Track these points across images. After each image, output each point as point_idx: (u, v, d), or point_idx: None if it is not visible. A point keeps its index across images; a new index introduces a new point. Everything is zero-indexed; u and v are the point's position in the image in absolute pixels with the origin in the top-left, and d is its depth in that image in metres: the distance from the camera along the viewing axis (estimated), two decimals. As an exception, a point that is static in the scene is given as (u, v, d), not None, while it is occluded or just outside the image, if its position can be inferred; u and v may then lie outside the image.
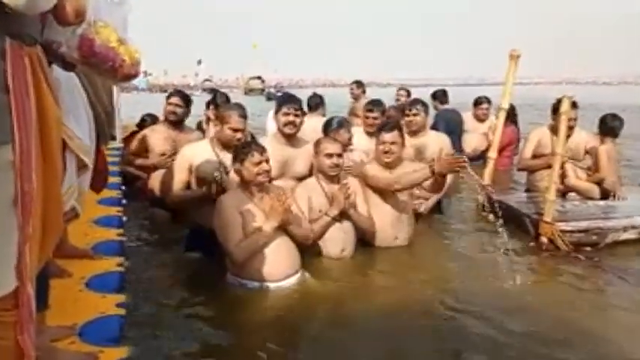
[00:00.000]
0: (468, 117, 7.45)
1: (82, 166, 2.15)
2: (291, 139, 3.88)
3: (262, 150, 3.20)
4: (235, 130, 3.61)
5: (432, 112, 7.46)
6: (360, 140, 4.63)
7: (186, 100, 4.72)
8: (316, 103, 6.02)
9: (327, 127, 4.33)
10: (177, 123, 4.66)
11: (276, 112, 3.94)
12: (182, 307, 3.03)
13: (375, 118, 4.81)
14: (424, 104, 4.81)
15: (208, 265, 3.49)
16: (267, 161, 3.19)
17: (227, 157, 3.49)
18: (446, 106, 7.18)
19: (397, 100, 7.51)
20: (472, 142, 7.29)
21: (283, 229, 3.16)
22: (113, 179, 4.45)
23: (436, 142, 4.70)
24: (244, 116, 3.71)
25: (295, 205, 3.40)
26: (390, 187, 3.77)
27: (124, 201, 4.04)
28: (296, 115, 3.85)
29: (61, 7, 1.61)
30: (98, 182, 2.83)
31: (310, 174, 3.90)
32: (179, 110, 4.62)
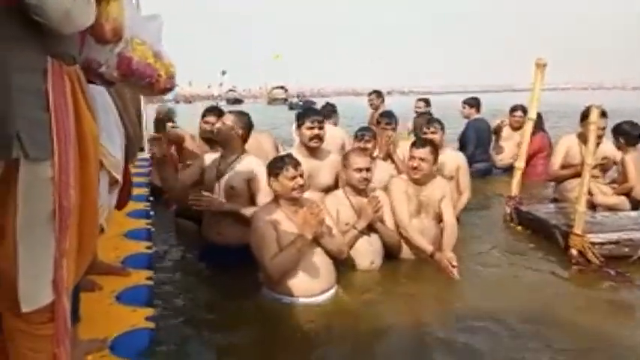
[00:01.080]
0: (504, 125, 7.42)
1: (112, 183, 2.19)
2: (314, 150, 3.90)
3: (297, 164, 3.17)
4: None
5: (456, 122, 7.46)
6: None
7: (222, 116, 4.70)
8: (329, 111, 6.04)
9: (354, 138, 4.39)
10: (213, 140, 4.54)
11: (299, 125, 3.95)
12: (211, 321, 3.04)
13: (393, 130, 4.82)
14: (441, 123, 4.78)
15: (237, 279, 3.50)
16: (301, 175, 3.17)
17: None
18: (477, 115, 7.12)
19: (416, 111, 7.48)
20: (506, 151, 7.23)
21: (317, 242, 3.14)
22: (141, 191, 4.54)
23: (454, 160, 4.63)
24: None
25: (329, 218, 3.36)
26: (398, 225, 3.78)
27: (151, 213, 4.09)
28: (320, 128, 3.87)
29: (99, 26, 1.65)
30: (122, 198, 2.86)
31: (335, 185, 3.90)
32: (214, 128, 4.59)
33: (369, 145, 4.20)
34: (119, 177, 2.13)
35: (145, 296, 2.69)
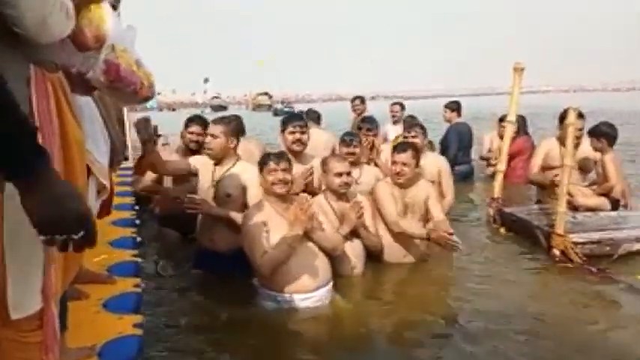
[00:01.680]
0: (493, 136, 7.56)
1: (100, 189, 2.19)
2: (298, 155, 3.95)
3: (279, 159, 3.21)
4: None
5: (438, 126, 7.57)
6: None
7: (206, 127, 4.56)
8: (312, 118, 6.09)
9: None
10: (197, 151, 4.51)
11: (282, 130, 4.03)
12: (201, 327, 3.05)
13: (375, 135, 4.86)
14: (422, 127, 4.82)
15: (226, 285, 3.51)
16: (283, 170, 3.18)
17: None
18: (458, 119, 7.23)
19: (393, 116, 7.54)
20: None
21: (309, 239, 3.15)
22: (126, 199, 4.53)
23: (434, 164, 4.63)
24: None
25: (322, 216, 3.37)
26: (388, 224, 3.81)
27: (137, 221, 4.09)
28: (302, 132, 3.94)
29: (81, 33, 1.66)
30: (105, 207, 2.86)
31: (320, 189, 3.94)
32: (200, 139, 4.51)
33: (357, 150, 4.23)
34: (107, 183, 2.13)
35: (132, 303, 2.68)
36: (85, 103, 2.06)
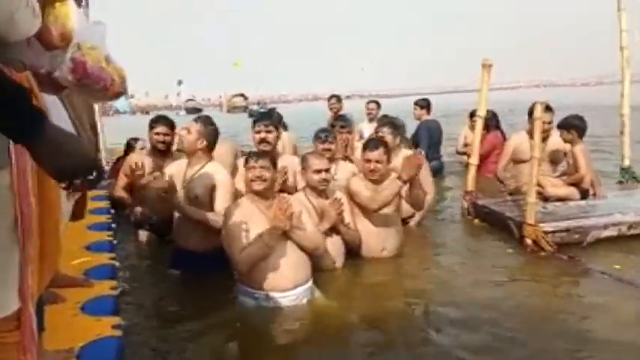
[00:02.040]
0: (466, 131, 7.72)
1: (69, 192, 2.18)
2: (273, 154, 3.95)
3: (258, 157, 3.23)
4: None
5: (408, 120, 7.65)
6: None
7: (172, 127, 4.62)
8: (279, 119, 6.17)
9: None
10: (165, 151, 4.53)
11: (252, 130, 4.12)
12: (179, 325, 3.05)
13: (349, 132, 4.90)
14: (394, 125, 4.84)
15: (205, 285, 3.52)
16: (261, 167, 3.19)
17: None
18: (427, 117, 7.33)
19: (369, 113, 7.59)
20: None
21: (289, 238, 3.15)
22: (102, 204, 4.51)
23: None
24: None
25: (305, 214, 3.38)
26: (368, 207, 3.83)
27: (113, 225, 4.07)
28: (268, 132, 3.98)
29: (47, 31, 1.65)
30: (79, 209, 2.85)
31: (294, 188, 3.98)
32: (168, 139, 4.53)
33: (332, 147, 4.26)
34: (77, 185, 2.12)
35: (109, 306, 2.67)
36: (52, 103, 2.05)
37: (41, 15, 1.56)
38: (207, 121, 3.73)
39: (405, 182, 3.67)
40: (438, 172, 7.10)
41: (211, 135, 3.68)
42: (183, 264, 3.70)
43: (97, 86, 1.77)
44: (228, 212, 3.21)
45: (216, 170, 3.60)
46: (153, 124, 4.58)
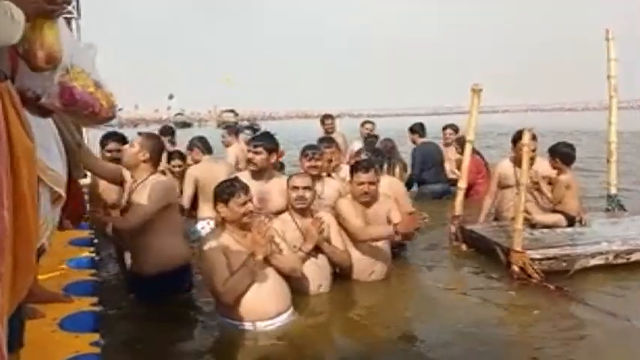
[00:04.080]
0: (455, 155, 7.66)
1: (56, 199, 2.13)
2: (262, 174, 3.92)
3: (247, 189, 3.15)
4: None
5: (410, 145, 7.65)
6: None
7: (125, 142, 4.37)
8: (197, 145, 6.23)
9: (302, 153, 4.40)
10: None
11: None
12: (159, 344, 3.01)
13: (332, 153, 4.88)
14: (374, 151, 4.81)
15: (181, 305, 3.48)
16: (251, 200, 3.15)
17: None
18: (423, 140, 7.31)
19: (368, 134, 7.50)
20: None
21: (269, 263, 3.09)
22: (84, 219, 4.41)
23: (389, 188, 4.41)
24: None
25: (278, 237, 3.32)
26: (355, 236, 3.81)
27: (95, 241, 4.00)
28: (255, 153, 3.91)
29: (32, 52, 1.62)
30: (75, 213, 2.81)
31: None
32: (119, 155, 4.30)
33: (319, 163, 4.23)
34: (62, 191, 2.06)
35: (89, 322, 2.62)
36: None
37: (26, 30, 1.54)
38: (150, 136, 3.67)
39: (396, 234, 3.68)
40: (443, 195, 6.96)
41: (153, 148, 3.53)
42: (140, 289, 3.57)
43: (84, 112, 1.75)
44: (204, 245, 3.12)
45: (154, 185, 3.41)
46: (105, 140, 4.41)
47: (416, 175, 7.07)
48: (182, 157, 5.69)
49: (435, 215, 5.99)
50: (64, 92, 1.68)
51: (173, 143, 6.77)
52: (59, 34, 1.71)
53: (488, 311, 3.52)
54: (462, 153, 6.81)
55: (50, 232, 2.14)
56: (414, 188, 7.17)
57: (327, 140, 5.18)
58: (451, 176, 7.45)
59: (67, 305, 2.78)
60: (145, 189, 3.37)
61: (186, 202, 4.87)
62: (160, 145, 3.65)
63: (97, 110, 1.77)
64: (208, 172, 4.86)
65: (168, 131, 7.27)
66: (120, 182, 3.79)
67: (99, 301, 2.92)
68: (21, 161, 1.49)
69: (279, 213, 3.84)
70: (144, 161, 3.47)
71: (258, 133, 5.51)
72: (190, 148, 5.60)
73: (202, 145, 5.52)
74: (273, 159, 4.04)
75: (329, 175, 4.63)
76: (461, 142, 6.46)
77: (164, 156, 6.08)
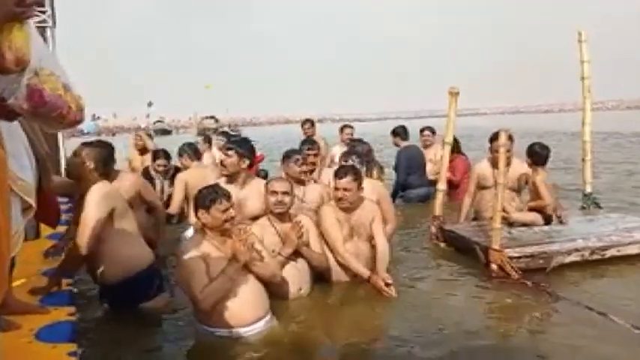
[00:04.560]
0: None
1: (26, 208, 2.10)
2: (235, 179, 3.94)
3: (229, 196, 3.13)
4: None
5: (390, 148, 7.64)
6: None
7: (168, 157, 4.49)
8: (187, 152, 6.27)
9: (284, 159, 4.42)
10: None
11: None
12: (139, 356, 2.97)
13: (315, 155, 4.92)
14: (359, 155, 4.77)
15: (163, 312, 3.46)
16: (232, 206, 3.13)
17: None
18: (405, 143, 7.28)
19: (349, 139, 7.43)
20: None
21: (249, 269, 3.07)
22: (60, 229, 4.35)
23: (372, 192, 4.38)
24: None
25: (258, 243, 3.29)
26: (334, 251, 3.84)
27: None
28: (226, 156, 3.94)
29: (0, 55, 1.61)
30: (51, 216, 2.78)
31: (264, 214, 3.92)
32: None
33: (303, 168, 4.28)
34: (32, 201, 2.04)
35: (66, 332, 2.59)
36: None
37: None
38: (96, 145, 3.51)
39: (367, 280, 3.76)
40: (427, 198, 6.85)
41: (99, 157, 3.39)
42: (109, 297, 3.50)
43: (52, 114, 1.73)
44: (183, 251, 3.08)
45: (92, 192, 3.24)
46: (155, 155, 4.66)
47: (402, 179, 7.00)
48: (167, 156, 5.68)
49: (419, 219, 6.06)
50: (33, 94, 1.66)
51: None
52: (29, 36, 1.69)
53: (467, 309, 3.55)
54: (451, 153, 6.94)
55: (20, 244, 2.12)
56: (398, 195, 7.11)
57: (310, 142, 5.17)
58: (432, 177, 7.50)
59: (43, 316, 2.75)
60: (87, 199, 3.22)
61: (175, 207, 4.85)
62: (108, 155, 3.53)
63: (65, 113, 1.75)
64: (198, 177, 4.85)
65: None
66: (71, 195, 3.67)
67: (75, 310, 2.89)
68: None
69: (255, 218, 3.84)
70: (89, 172, 3.32)
71: (236, 139, 5.50)
72: (180, 154, 5.61)
73: (192, 151, 5.57)
74: (245, 164, 4.00)
75: (314, 181, 4.65)
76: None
77: (149, 155, 6.11)
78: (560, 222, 4.95)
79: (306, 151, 4.86)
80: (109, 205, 3.25)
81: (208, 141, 7.57)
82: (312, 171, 4.80)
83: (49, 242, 4.04)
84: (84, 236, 3.12)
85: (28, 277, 3.27)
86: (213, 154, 6.87)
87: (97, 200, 3.19)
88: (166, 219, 4.52)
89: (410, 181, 7.01)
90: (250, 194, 3.92)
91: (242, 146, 4.04)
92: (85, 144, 3.45)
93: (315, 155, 4.91)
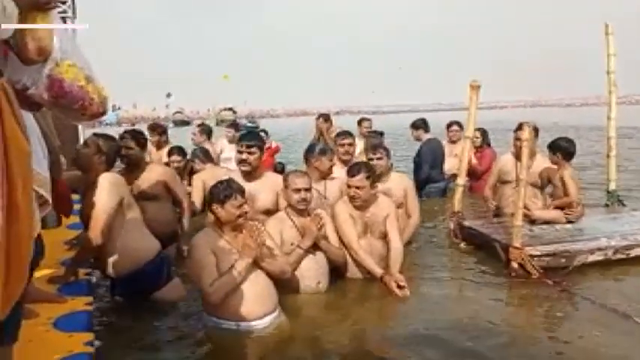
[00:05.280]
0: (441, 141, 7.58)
1: (42, 203, 2.10)
2: (249, 174, 3.89)
3: (243, 191, 3.12)
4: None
5: (411, 142, 7.55)
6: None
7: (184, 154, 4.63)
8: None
9: (308, 154, 4.39)
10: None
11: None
12: (153, 348, 2.98)
13: (350, 145, 4.91)
14: (386, 148, 4.77)
15: (180, 305, 3.46)
16: (246, 202, 3.12)
17: None
18: (428, 136, 7.10)
19: (367, 131, 7.17)
20: (448, 164, 7.42)
21: (258, 265, 3.07)
22: (78, 218, 4.38)
23: (400, 185, 4.54)
24: None
25: (269, 240, 3.28)
26: (348, 248, 3.80)
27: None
28: (249, 153, 3.87)
29: (23, 44, 1.60)
30: (64, 207, 2.79)
31: (276, 207, 3.91)
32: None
33: (322, 166, 4.27)
34: (48, 196, 2.04)
35: (83, 322, 2.62)
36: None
37: (18, 22, 1.51)
38: (106, 137, 3.48)
39: (380, 279, 3.73)
40: (444, 194, 6.85)
41: (109, 150, 3.38)
42: (114, 290, 3.53)
43: (74, 106, 1.73)
44: (194, 244, 3.08)
45: (102, 186, 3.21)
46: (170, 152, 4.74)
47: (425, 173, 6.82)
48: (182, 152, 5.70)
49: (440, 214, 6.00)
50: (53, 84, 1.66)
51: (166, 142, 6.70)
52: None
53: (487, 308, 3.49)
54: (479, 146, 6.85)
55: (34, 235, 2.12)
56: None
57: (344, 133, 5.18)
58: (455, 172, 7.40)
59: (61, 305, 2.78)
60: (96, 192, 3.20)
61: (199, 203, 4.83)
62: (117, 147, 3.53)
63: (87, 104, 1.75)
64: (214, 177, 4.88)
65: (158, 129, 7.09)
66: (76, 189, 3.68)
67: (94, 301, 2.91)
68: (15, 161, 1.46)
69: (267, 211, 3.83)
70: (99, 164, 3.31)
71: (244, 132, 5.48)
72: (192, 159, 5.71)
73: (203, 155, 5.68)
74: (263, 157, 4.03)
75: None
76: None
77: (164, 151, 6.12)
78: (569, 221, 4.83)
79: (340, 142, 4.86)
80: (119, 194, 3.25)
81: (207, 132, 7.47)
82: (348, 160, 4.77)
83: (70, 232, 4.07)
84: (98, 224, 3.11)
85: (49, 266, 3.28)
86: (214, 148, 6.90)
87: (108, 188, 3.19)
88: (192, 214, 4.52)
89: (433, 175, 6.90)
90: (262, 188, 3.89)
91: (260, 140, 4.04)
92: (96, 135, 3.46)
93: (350, 145, 4.88)
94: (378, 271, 3.75)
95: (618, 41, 5.51)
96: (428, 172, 6.84)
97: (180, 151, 5.72)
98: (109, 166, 3.39)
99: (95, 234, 3.10)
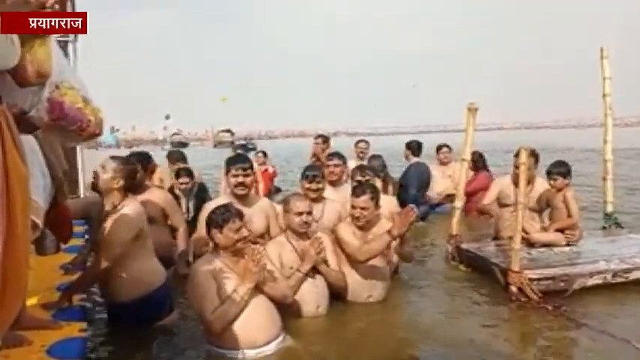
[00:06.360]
0: (432, 163, 7.64)
1: (32, 227, 2.09)
2: (243, 198, 3.86)
3: (241, 215, 3.08)
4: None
5: (398, 166, 7.59)
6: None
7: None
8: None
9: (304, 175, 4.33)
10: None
11: (226, 172, 3.94)
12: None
13: (335, 166, 4.81)
14: (374, 170, 4.77)
15: (174, 331, 3.41)
16: (245, 226, 3.07)
17: None
18: (416, 159, 7.19)
19: (361, 152, 7.20)
20: (438, 186, 7.44)
21: (260, 290, 3.01)
22: (76, 241, 4.34)
23: (386, 206, 4.36)
24: None
25: (270, 264, 3.23)
26: (354, 257, 3.74)
27: (88, 264, 3.93)
28: (245, 176, 3.83)
29: (22, 68, 1.61)
30: (65, 233, 2.78)
31: (267, 231, 3.89)
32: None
33: (320, 186, 4.20)
34: (39, 221, 2.03)
35: (77, 349, 2.58)
36: (25, 140, 1.98)
37: (20, 50, 1.52)
38: (125, 161, 3.44)
39: (394, 238, 3.61)
40: (425, 217, 6.86)
41: (128, 174, 3.34)
42: (113, 317, 3.47)
43: (72, 127, 1.75)
44: (195, 271, 3.02)
45: (124, 214, 3.21)
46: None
47: (412, 195, 6.84)
48: (190, 174, 5.69)
49: (427, 236, 6.00)
50: (54, 107, 1.68)
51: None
52: (50, 51, 1.70)
53: (485, 333, 3.46)
54: (474, 169, 6.86)
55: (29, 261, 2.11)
56: None
57: (334, 154, 5.09)
58: (452, 192, 7.40)
59: (55, 331, 2.74)
60: (116, 219, 3.19)
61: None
62: (134, 171, 3.50)
63: (84, 125, 1.77)
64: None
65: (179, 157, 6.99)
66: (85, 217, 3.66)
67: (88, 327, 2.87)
68: (15, 185, 1.46)
69: (261, 236, 3.80)
70: (117, 189, 3.27)
71: (239, 153, 5.46)
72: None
73: None
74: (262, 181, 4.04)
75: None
76: (474, 159, 6.59)
77: (172, 173, 6.11)
78: (567, 244, 4.81)
79: (327, 163, 4.82)
80: (138, 227, 3.25)
81: (180, 159, 6.80)
82: (335, 181, 4.72)
83: (66, 256, 4.03)
84: (109, 255, 3.10)
85: (44, 292, 3.25)
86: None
87: (128, 221, 3.18)
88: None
89: (417, 199, 6.91)
90: (255, 212, 3.84)
91: (249, 161, 4.04)
92: (112, 158, 3.39)
93: (336, 166, 4.81)
94: (386, 236, 3.61)
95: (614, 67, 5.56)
96: (415, 193, 6.85)
97: (187, 172, 5.72)
98: (126, 190, 3.35)
99: (104, 262, 3.09)
